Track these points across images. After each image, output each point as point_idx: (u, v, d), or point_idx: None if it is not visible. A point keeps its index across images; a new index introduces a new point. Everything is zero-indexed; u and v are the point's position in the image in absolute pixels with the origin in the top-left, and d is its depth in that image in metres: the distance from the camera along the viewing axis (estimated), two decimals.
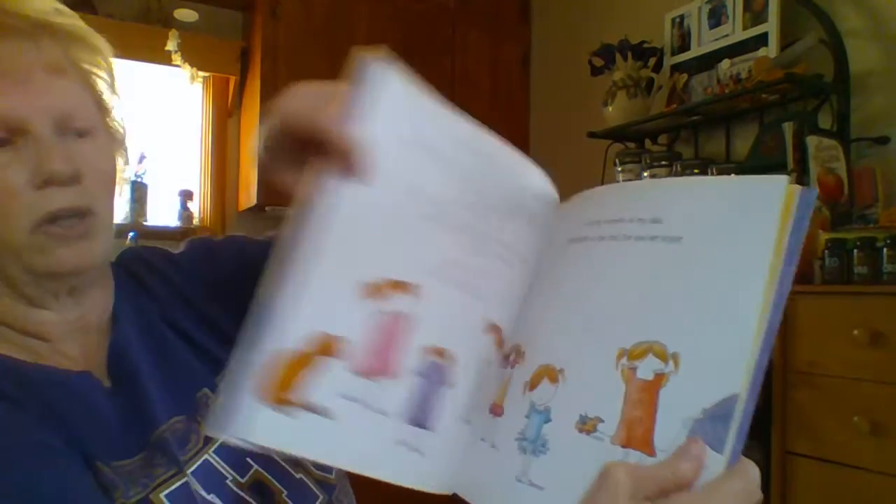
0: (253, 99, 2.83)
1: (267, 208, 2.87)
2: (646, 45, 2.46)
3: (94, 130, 0.57)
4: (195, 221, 2.94)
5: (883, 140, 1.92)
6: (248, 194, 2.88)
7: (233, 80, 2.96)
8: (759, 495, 0.38)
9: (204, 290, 0.67)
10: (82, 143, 0.55)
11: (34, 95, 0.51)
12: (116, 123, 0.62)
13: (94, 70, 0.59)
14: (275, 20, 2.76)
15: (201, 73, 2.85)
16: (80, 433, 0.50)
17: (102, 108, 0.60)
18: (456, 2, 3.10)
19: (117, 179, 0.60)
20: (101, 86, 0.59)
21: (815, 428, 1.61)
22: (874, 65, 1.97)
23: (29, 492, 0.44)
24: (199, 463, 0.57)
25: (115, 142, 0.61)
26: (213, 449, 0.58)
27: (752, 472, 0.37)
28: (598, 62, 2.55)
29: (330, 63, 2.87)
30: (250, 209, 2.91)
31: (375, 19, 2.94)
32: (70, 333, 0.58)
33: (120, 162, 0.62)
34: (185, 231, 2.85)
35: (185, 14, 2.81)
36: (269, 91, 2.75)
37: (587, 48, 2.62)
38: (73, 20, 0.57)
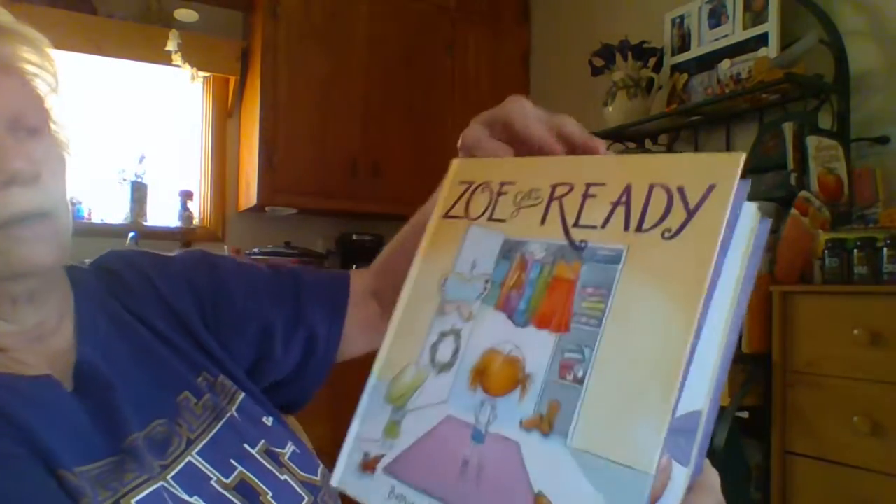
0: (253, 99, 2.83)
1: (267, 208, 2.87)
2: (646, 46, 2.46)
3: (43, 129, 0.57)
4: (195, 221, 2.94)
5: (883, 140, 1.92)
6: (248, 194, 2.88)
7: (233, 80, 2.96)
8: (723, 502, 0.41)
9: (186, 296, 0.67)
10: (35, 142, 0.55)
11: None
12: (60, 124, 0.62)
13: (38, 70, 0.59)
14: (275, 20, 2.76)
15: (201, 73, 2.84)
16: (42, 439, 0.49)
17: (48, 108, 0.60)
18: (456, 2, 3.11)
19: (67, 180, 0.59)
20: (44, 86, 0.59)
21: (815, 428, 1.61)
22: (874, 65, 1.97)
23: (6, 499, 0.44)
24: (181, 465, 0.56)
25: (60, 142, 0.61)
26: (196, 450, 0.58)
27: (716, 480, 0.41)
28: (599, 62, 2.55)
29: (330, 63, 2.87)
30: (250, 209, 2.91)
31: (375, 19, 2.94)
32: (27, 342, 0.57)
33: (68, 162, 0.61)
34: (185, 231, 2.85)
35: (185, 14, 2.81)
36: (269, 91, 2.75)
37: (587, 48, 2.62)
38: (11, 18, 0.57)
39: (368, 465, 0.44)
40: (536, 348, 0.41)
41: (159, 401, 0.59)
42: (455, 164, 0.53)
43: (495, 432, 0.40)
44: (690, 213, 0.39)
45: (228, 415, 0.62)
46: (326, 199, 2.87)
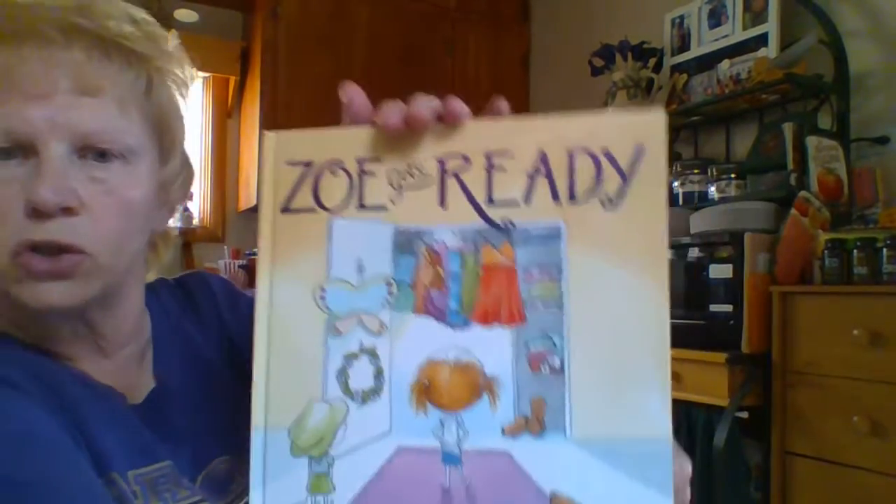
0: (253, 99, 2.84)
1: None
2: (646, 46, 2.46)
3: (127, 155, 0.50)
4: (195, 222, 2.94)
5: (883, 140, 1.92)
6: (248, 194, 2.88)
7: (233, 81, 2.96)
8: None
9: (247, 337, 0.65)
10: (102, 168, 0.49)
11: (52, 112, 0.46)
12: (175, 150, 0.56)
13: (160, 90, 0.53)
14: (275, 20, 2.76)
15: (201, 74, 2.84)
16: (98, 436, 0.47)
17: (157, 132, 0.54)
18: (456, 2, 3.11)
19: (145, 210, 0.52)
20: (160, 108, 0.54)
21: (815, 428, 1.61)
22: (874, 65, 1.97)
23: (46, 483, 0.42)
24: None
25: (139, 172, 0.52)
26: None
27: (687, 466, 0.41)
28: (599, 62, 2.55)
29: (330, 63, 2.86)
30: (250, 209, 2.91)
31: (375, 19, 2.94)
32: (94, 354, 0.54)
33: (156, 189, 0.54)
34: (184, 231, 2.84)
35: (185, 14, 2.81)
36: (269, 91, 2.76)
37: (587, 48, 2.62)
38: (146, 39, 0.52)
39: None
40: (491, 347, 0.37)
41: (225, 434, 0.56)
42: (271, 139, 0.42)
43: (472, 449, 0.36)
44: (625, 179, 0.37)
45: None
46: None
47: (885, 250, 1.56)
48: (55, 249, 0.47)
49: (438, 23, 3.08)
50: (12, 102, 0.46)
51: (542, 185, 0.37)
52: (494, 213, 0.38)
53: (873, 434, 1.47)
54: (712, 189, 2.13)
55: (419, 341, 0.38)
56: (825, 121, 1.99)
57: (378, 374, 0.38)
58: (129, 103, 0.50)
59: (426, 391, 0.37)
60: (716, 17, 2.30)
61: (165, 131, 0.54)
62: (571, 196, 0.37)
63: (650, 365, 0.35)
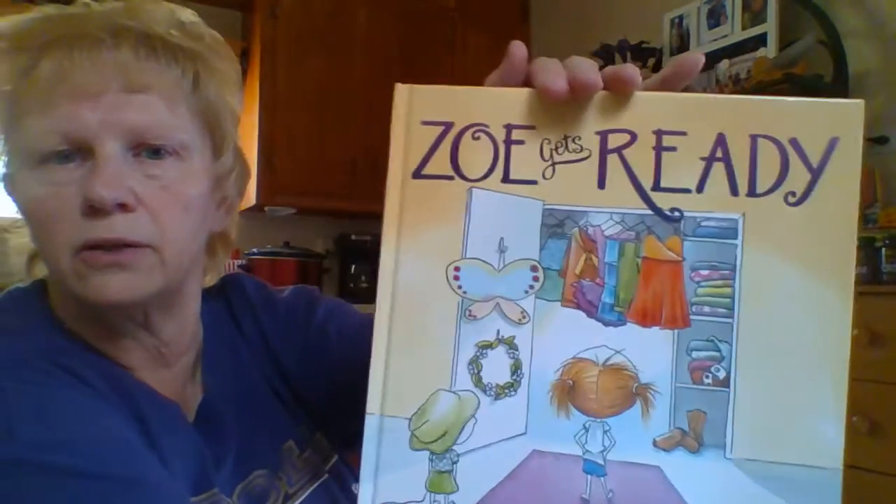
0: (252, 99, 2.83)
1: (266, 208, 2.87)
2: (645, 46, 2.47)
3: (180, 151, 0.50)
4: None
5: (882, 140, 1.92)
6: (247, 194, 2.87)
7: None
8: None
9: (291, 348, 0.64)
10: (156, 165, 0.49)
11: (104, 112, 0.47)
12: (226, 145, 0.56)
13: (207, 86, 0.53)
14: (274, 20, 2.76)
15: None
16: (168, 459, 0.47)
17: (207, 128, 0.54)
18: (456, 2, 3.11)
19: (201, 205, 0.52)
20: (208, 104, 0.54)
21: None
22: (873, 65, 1.97)
23: (148, 483, 0.42)
24: None
25: (194, 169, 0.52)
26: None
27: None
28: (598, 62, 2.55)
29: (329, 63, 2.86)
30: (249, 209, 2.90)
31: (375, 19, 2.93)
32: (152, 362, 0.54)
33: (211, 185, 0.54)
34: None
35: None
36: (268, 91, 2.75)
37: (587, 48, 2.62)
38: (190, 38, 0.52)
39: None
40: (647, 351, 0.33)
41: (264, 448, 0.57)
42: (404, 92, 0.37)
43: (618, 459, 0.33)
44: (815, 173, 0.33)
45: (324, 476, 0.61)
46: (326, 199, 2.87)
47: (883, 250, 1.56)
48: (116, 246, 0.47)
49: (438, 23, 3.08)
50: (67, 105, 0.46)
51: (718, 173, 0.33)
52: (661, 200, 0.34)
53: (873, 434, 1.47)
54: None
55: (565, 336, 0.34)
56: None
57: (516, 368, 0.34)
58: (178, 99, 0.51)
59: (570, 392, 0.34)
60: (715, 17, 2.30)
61: (215, 127, 0.54)
62: (751, 187, 0.33)
63: (827, 386, 0.32)
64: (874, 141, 1.92)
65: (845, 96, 1.95)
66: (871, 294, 1.54)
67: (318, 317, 0.65)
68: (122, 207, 0.47)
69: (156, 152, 0.49)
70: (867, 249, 1.60)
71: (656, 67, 2.48)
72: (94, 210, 0.46)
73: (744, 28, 2.19)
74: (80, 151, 0.47)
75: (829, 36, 1.99)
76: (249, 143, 2.87)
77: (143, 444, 0.46)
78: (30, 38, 0.48)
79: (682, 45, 2.42)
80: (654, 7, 2.55)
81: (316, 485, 0.60)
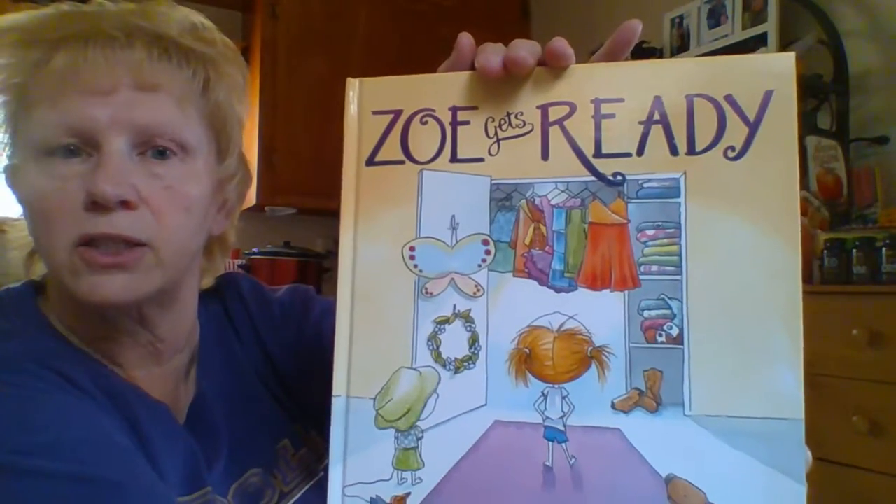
0: (252, 98, 2.83)
1: (266, 208, 2.87)
2: (645, 45, 2.46)
3: (185, 152, 0.50)
4: None
5: (882, 140, 1.92)
6: (248, 194, 2.88)
7: None
8: None
9: (285, 347, 0.64)
10: (161, 165, 0.49)
11: (114, 108, 0.47)
12: (231, 149, 0.57)
13: (217, 90, 0.54)
14: (274, 20, 2.76)
15: None
16: (158, 459, 0.47)
17: (214, 131, 0.54)
18: (456, 2, 3.11)
19: (202, 206, 0.52)
20: (217, 107, 0.54)
21: (815, 428, 1.60)
22: (873, 65, 1.97)
23: (136, 485, 0.42)
24: None
25: (196, 170, 0.52)
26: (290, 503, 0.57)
27: (808, 453, 0.39)
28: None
29: (329, 63, 2.86)
30: (249, 209, 2.90)
31: (375, 19, 2.94)
32: (145, 359, 0.54)
33: (214, 187, 0.55)
34: None
35: None
36: (268, 91, 2.75)
37: (587, 48, 2.61)
38: (203, 42, 0.53)
39: None
40: (599, 314, 0.33)
41: (258, 447, 0.57)
42: (354, 85, 0.39)
43: (578, 424, 0.33)
44: (752, 127, 0.33)
45: (320, 475, 0.61)
46: (326, 198, 2.86)
47: (884, 250, 1.56)
48: (116, 243, 0.47)
49: (438, 23, 3.08)
50: (77, 100, 0.47)
51: (657, 135, 0.34)
52: (604, 166, 0.34)
53: (872, 434, 1.47)
54: None
55: (519, 306, 0.34)
56: (824, 120, 1.99)
57: (473, 341, 0.35)
58: (187, 101, 0.51)
59: (526, 360, 0.34)
60: (715, 17, 2.30)
61: (222, 130, 0.55)
62: (690, 146, 0.33)
63: (781, 335, 0.31)
64: (874, 141, 1.93)
65: (845, 96, 1.95)
66: (871, 294, 1.54)
67: (314, 316, 0.65)
68: (125, 204, 0.47)
69: (161, 153, 0.49)
70: (867, 249, 1.60)
71: None
72: (96, 205, 0.46)
73: (744, 28, 2.18)
74: (86, 147, 0.47)
75: (829, 36, 1.99)
76: (249, 143, 2.87)
77: (133, 446, 0.46)
78: (45, 32, 0.48)
79: (683, 44, 2.42)
80: (655, 7, 2.55)
81: (311, 483, 0.60)
